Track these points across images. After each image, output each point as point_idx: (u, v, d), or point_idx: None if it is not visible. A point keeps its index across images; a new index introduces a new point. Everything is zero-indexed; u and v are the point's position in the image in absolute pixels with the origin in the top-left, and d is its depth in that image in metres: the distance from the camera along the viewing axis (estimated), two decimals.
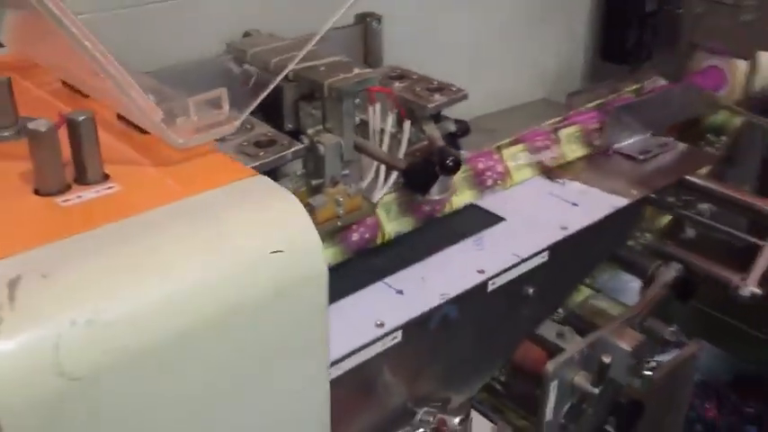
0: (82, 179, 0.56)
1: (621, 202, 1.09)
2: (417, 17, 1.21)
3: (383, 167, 0.93)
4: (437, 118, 0.94)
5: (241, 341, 0.52)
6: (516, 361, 1.13)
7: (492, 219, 1.03)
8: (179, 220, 0.52)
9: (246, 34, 1.00)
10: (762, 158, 1.46)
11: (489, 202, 1.07)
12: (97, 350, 0.45)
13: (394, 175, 0.93)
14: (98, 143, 0.56)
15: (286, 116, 0.89)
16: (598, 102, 1.27)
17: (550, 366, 1.07)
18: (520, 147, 1.11)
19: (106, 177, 0.57)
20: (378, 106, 0.92)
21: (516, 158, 1.10)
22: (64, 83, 0.73)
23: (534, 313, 1.03)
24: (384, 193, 0.93)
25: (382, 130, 0.92)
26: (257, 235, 0.53)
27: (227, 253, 0.52)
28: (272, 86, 0.64)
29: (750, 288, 1.21)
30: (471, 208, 1.06)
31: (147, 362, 0.48)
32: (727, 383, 2.05)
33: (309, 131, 0.89)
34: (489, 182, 1.05)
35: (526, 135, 1.12)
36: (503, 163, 1.09)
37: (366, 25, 1.06)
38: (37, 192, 0.55)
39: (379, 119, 0.92)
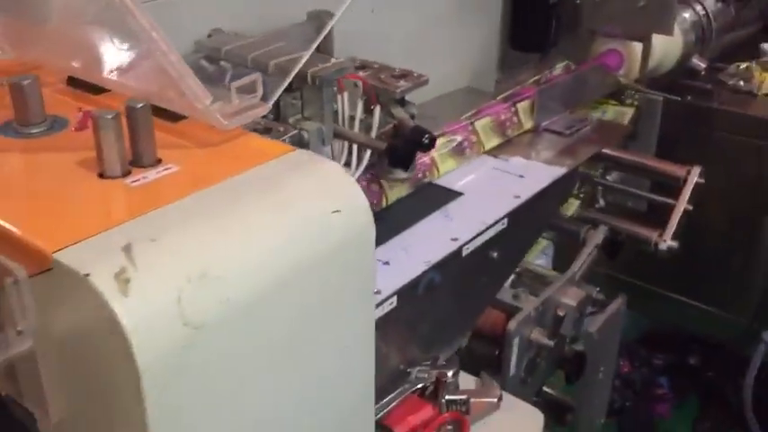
0: (139, 163, 0.60)
1: (560, 171, 1.22)
2: (356, 14, 1.28)
3: (355, 152, 1.00)
4: (402, 102, 1.02)
5: (312, 291, 0.58)
6: (477, 326, 1.23)
7: (451, 194, 1.13)
8: (248, 188, 0.58)
9: (210, 34, 1.04)
10: (659, 130, 1.63)
11: (445, 180, 1.16)
12: (210, 302, 0.50)
13: (366, 157, 1.01)
14: (153, 128, 0.60)
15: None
16: (516, 88, 1.39)
17: (512, 324, 1.18)
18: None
19: (159, 161, 0.61)
20: (346, 94, 0.99)
21: (440, 150, 1.18)
22: (68, 82, 0.76)
23: (498, 274, 1.13)
24: (359, 174, 1.00)
25: (351, 117, 1.00)
26: (318, 198, 0.59)
27: (298, 214, 0.58)
28: (292, 74, 0.69)
29: (668, 242, 1.38)
30: (431, 186, 1.15)
31: (245, 311, 0.53)
32: (636, 341, 2.25)
33: (290, 120, 0.95)
34: (419, 174, 1.12)
35: (448, 128, 1.21)
36: (429, 154, 1.16)
37: (320, 22, 1.12)
38: (102, 176, 0.59)
39: (348, 106, 0.99)
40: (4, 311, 0.55)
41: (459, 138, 1.19)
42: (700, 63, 1.72)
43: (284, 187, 0.59)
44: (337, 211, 0.59)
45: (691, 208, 1.38)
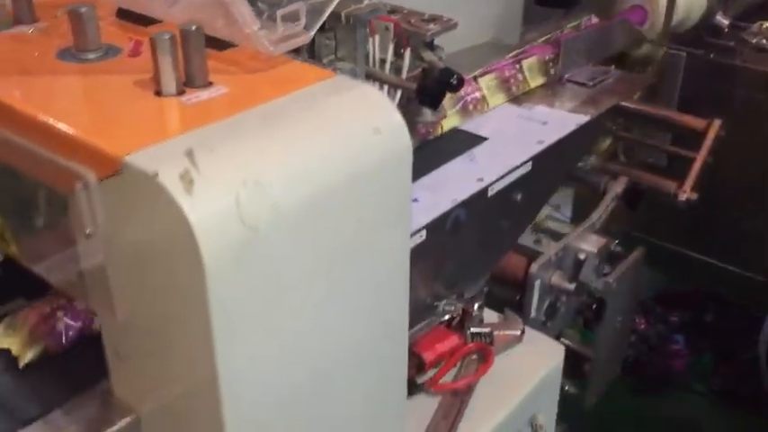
0: (191, 84, 0.64)
1: (583, 119, 1.24)
2: None
3: (385, 93, 1.03)
4: (431, 46, 1.05)
5: (354, 206, 0.62)
6: (498, 270, 1.27)
7: (477, 139, 1.16)
8: (294, 108, 0.62)
9: None
10: (681, 85, 1.65)
11: (470, 127, 1.20)
12: (263, 206, 0.55)
13: (396, 99, 1.04)
14: (205, 51, 0.64)
15: (303, 47, 0.98)
16: (547, 37, 1.42)
17: (534, 267, 1.22)
18: (492, 75, 1.24)
19: (210, 83, 0.65)
20: (377, 37, 1.02)
21: (489, 86, 1.23)
22: (118, 15, 0.80)
23: (521, 216, 1.17)
24: None
25: (382, 60, 1.03)
26: (359, 118, 0.63)
27: (341, 131, 0.61)
28: (329, 10, 0.73)
29: (687, 193, 1.40)
30: (456, 132, 1.18)
31: (293, 218, 0.57)
32: (652, 299, 2.28)
33: (324, 60, 0.98)
34: (470, 107, 1.17)
35: (496, 66, 1.25)
36: (480, 91, 1.21)
37: None
38: (158, 94, 0.63)
39: (379, 49, 1.02)
40: (73, 216, 0.60)
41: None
42: (723, 20, 1.73)
43: (327, 107, 0.63)
44: (378, 131, 0.63)
45: (711, 160, 1.41)
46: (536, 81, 1.31)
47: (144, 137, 0.56)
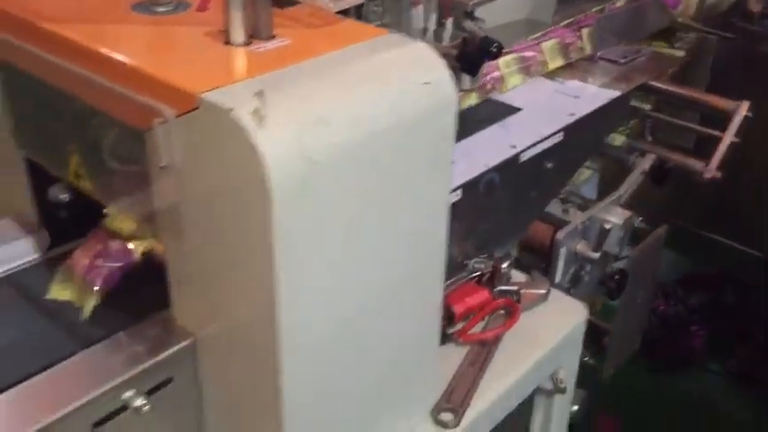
0: (257, 36, 0.70)
1: (614, 93, 1.29)
2: None
3: None
4: (471, 16, 1.10)
5: (404, 150, 0.68)
6: (526, 237, 1.32)
7: (510, 109, 1.21)
8: (351, 58, 0.67)
9: None
10: (711, 67, 1.68)
11: (504, 98, 1.24)
12: (323, 143, 0.60)
13: None
14: (271, 5, 0.69)
15: (351, 12, 1.03)
16: (578, 16, 1.45)
17: (560, 235, 1.27)
18: (512, 56, 1.28)
19: (274, 36, 0.71)
20: (420, 7, 1.07)
21: (509, 66, 1.26)
22: None
23: (551, 185, 1.21)
24: None
25: (424, 29, 1.08)
26: (410, 70, 0.68)
27: (393, 81, 0.67)
28: None
29: (713, 172, 1.44)
30: (490, 102, 1.23)
31: (350, 156, 0.63)
32: (673, 281, 2.32)
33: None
34: (489, 86, 1.21)
35: (516, 47, 1.28)
36: (499, 70, 1.25)
37: None
38: (227, 43, 0.68)
39: (422, 18, 1.07)
40: (149, 151, 0.66)
41: (525, 55, 1.26)
42: (756, 5, 1.75)
43: (382, 59, 0.68)
44: (427, 82, 0.68)
45: (737, 140, 1.44)
46: (555, 63, 1.34)
47: (218, 78, 0.62)
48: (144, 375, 0.72)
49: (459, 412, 0.89)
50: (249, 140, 0.57)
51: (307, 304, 0.65)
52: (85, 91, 0.70)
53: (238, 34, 0.68)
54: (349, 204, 0.65)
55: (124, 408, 0.70)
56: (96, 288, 0.80)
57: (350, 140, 0.63)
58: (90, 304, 0.80)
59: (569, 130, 1.18)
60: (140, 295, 0.80)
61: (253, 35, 0.70)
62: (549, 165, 1.17)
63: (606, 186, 1.69)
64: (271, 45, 0.69)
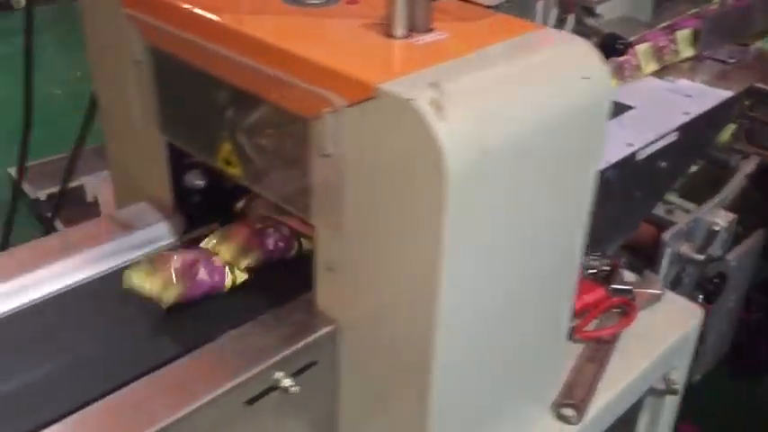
0: (416, 29, 0.71)
1: (726, 94, 1.27)
2: None
3: None
4: (592, 12, 1.09)
5: (563, 141, 0.68)
6: (630, 239, 1.31)
7: (624, 107, 1.20)
8: (512, 52, 0.68)
9: None
10: None
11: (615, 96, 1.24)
12: (496, 133, 0.61)
13: None
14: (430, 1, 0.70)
15: None
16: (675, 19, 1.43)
17: (666, 236, 1.26)
18: (647, 45, 1.28)
19: (431, 29, 0.72)
20: (541, 3, 1.07)
21: (646, 54, 1.26)
22: None
23: (662, 184, 1.20)
24: None
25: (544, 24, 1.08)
26: (569, 64, 0.69)
27: (555, 75, 0.67)
28: None
29: None
30: None
31: (519, 146, 0.64)
32: (754, 287, 2.27)
33: None
34: (627, 72, 1.21)
35: (648, 35, 1.28)
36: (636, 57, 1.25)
37: None
38: (387, 35, 0.69)
39: (543, 14, 1.07)
40: (312, 138, 0.68)
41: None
42: None
43: (542, 53, 0.69)
44: (586, 77, 0.68)
45: None
46: (686, 52, 1.33)
47: (390, 70, 0.63)
48: (292, 357, 0.74)
49: (581, 408, 0.89)
50: (428, 130, 0.58)
51: (464, 291, 0.66)
52: (247, 79, 0.72)
53: (400, 27, 0.69)
54: (512, 194, 0.66)
55: (273, 388, 0.72)
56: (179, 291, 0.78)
57: (518, 133, 0.63)
58: (170, 297, 0.78)
59: (685, 129, 1.17)
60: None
61: (411, 28, 0.71)
62: (663, 164, 1.16)
63: (698, 188, 1.67)
64: (429, 38, 0.70)
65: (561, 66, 0.69)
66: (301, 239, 0.87)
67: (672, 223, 1.29)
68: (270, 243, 0.83)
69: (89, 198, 2.45)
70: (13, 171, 2.57)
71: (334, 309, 0.76)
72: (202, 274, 0.80)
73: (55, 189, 2.58)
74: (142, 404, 0.67)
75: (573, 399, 0.90)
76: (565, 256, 0.78)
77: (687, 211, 1.33)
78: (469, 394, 0.76)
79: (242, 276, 0.83)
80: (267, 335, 0.75)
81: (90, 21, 0.93)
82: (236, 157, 0.79)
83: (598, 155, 0.74)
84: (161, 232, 0.91)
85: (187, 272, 0.80)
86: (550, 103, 0.66)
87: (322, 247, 0.74)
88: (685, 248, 1.30)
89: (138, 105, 0.89)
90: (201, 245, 0.84)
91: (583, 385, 0.93)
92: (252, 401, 0.72)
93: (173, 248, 0.87)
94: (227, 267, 0.82)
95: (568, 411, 0.90)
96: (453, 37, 0.70)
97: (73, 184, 2.44)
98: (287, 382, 0.72)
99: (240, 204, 0.96)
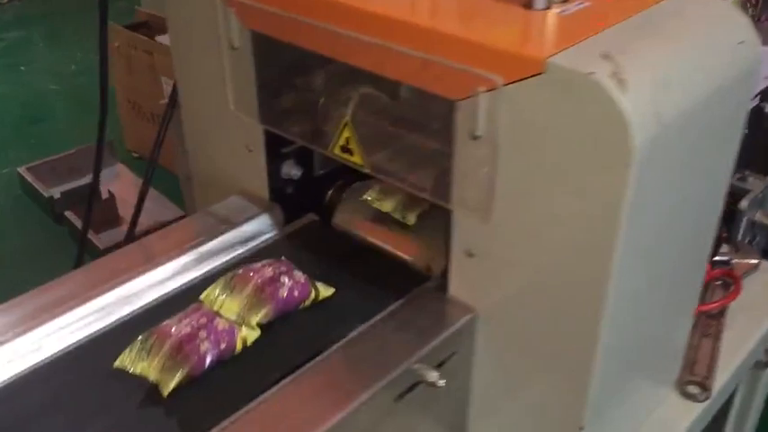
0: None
1: None
2: None
3: None
4: None
5: (724, 109, 0.66)
6: None
7: None
8: (666, 17, 0.64)
9: None
10: None
11: None
12: (672, 104, 0.58)
13: None
14: None
15: None
16: None
17: (744, 204, 1.23)
18: None
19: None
20: None
21: None
22: None
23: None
24: None
25: None
26: (726, 29, 0.66)
27: (716, 40, 0.65)
28: None
29: None
30: None
31: (689, 116, 0.61)
32: None
33: None
34: None
35: None
36: None
37: None
38: (526, 7, 0.66)
39: None
40: (460, 121, 0.64)
41: None
42: None
43: (697, 19, 0.66)
44: (741, 42, 0.65)
45: None
46: None
47: (552, 43, 0.60)
48: (435, 350, 0.71)
49: (706, 385, 0.87)
50: (613, 105, 0.55)
51: (629, 268, 0.63)
52: (379, 62, 0.68)
53: None
54: (682, 167, 0.63)
55: (419, 382, 0.70)
56: (185, 370, 0.66)
57: (689, 102, 0.60)
58: (170, 385, 0.66)
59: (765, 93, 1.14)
60: None
61: None
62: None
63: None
64: (574, 8, 0.66)
65: (717, 30, 0.66)
66: (316, 284, 0.77)
67: (746, 191, 1.26)
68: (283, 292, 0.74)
69: (104, 195, 2.40)
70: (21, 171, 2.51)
71: (471, 295, 0.73)
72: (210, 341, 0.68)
73: (68, 186, 2.52)
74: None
75: (697, 375, 0.88)
76: (706, 226, 0.75)
77: (762, 178, 1.31)
78: (617, 373, 0.73)
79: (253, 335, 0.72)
80: (407, 329, 0.72)
81: (175, 8, 0.89)
82: (356, 145, 0.76)
83: (740, 124, 0.71)
84: (263, 225, 0.88)
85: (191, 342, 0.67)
86: (715, 70, 0.63)
87: (461, 232, 0.70)
88: (760, 215, 1.27)
89: (234, 94, 0.85)
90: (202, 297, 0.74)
91: (703, 361, 0.90)
92: (401, 396, 0.69)
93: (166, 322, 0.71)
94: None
95: (694, 389, 0.87)
96: (594, 6, 0.67)
97: (84, 180, 2.39)
98: (432, 375, 0.70)
99: (330, 193, 0.93)
